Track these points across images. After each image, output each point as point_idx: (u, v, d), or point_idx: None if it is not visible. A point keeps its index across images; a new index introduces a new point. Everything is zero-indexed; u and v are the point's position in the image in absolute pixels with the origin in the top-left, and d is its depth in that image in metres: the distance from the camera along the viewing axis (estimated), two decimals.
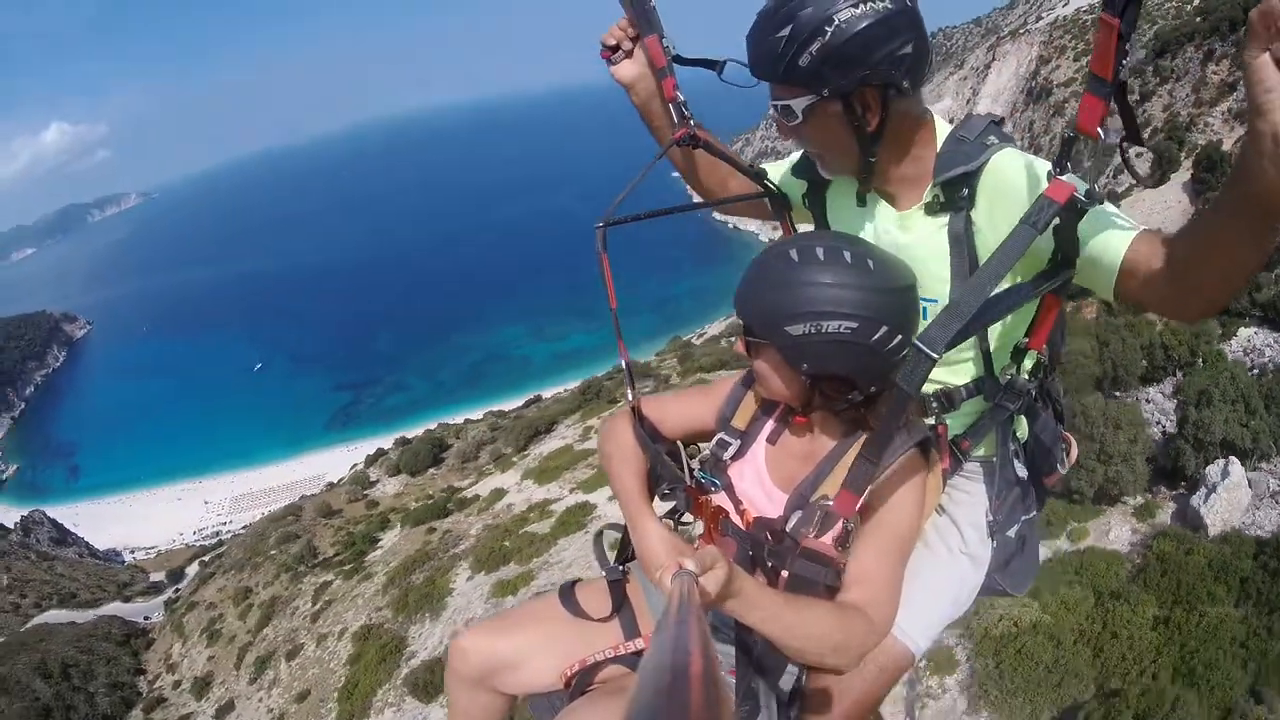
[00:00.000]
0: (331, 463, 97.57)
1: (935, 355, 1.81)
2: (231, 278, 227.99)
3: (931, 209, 2.33)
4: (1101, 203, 2.00)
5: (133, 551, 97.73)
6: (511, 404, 74.67)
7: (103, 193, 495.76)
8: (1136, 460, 13.83)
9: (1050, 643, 10.26)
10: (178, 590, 60.22)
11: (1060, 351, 2.58)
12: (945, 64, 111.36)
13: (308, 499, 58.85)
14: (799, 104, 2.13)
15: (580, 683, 2.49)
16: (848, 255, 1.99)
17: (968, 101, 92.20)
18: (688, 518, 2.57)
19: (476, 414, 71.89)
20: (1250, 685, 9.10)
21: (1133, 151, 1.94)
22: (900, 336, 2.00)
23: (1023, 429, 2.61)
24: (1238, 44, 36.27)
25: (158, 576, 73.36)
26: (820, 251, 2.00)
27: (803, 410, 2.21)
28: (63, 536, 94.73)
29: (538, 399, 69.39)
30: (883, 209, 2.45)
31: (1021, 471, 2.60)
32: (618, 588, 2.65)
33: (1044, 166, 2.13)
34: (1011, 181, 2.19)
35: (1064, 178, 1.98)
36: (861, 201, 2.49)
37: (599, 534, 2.87)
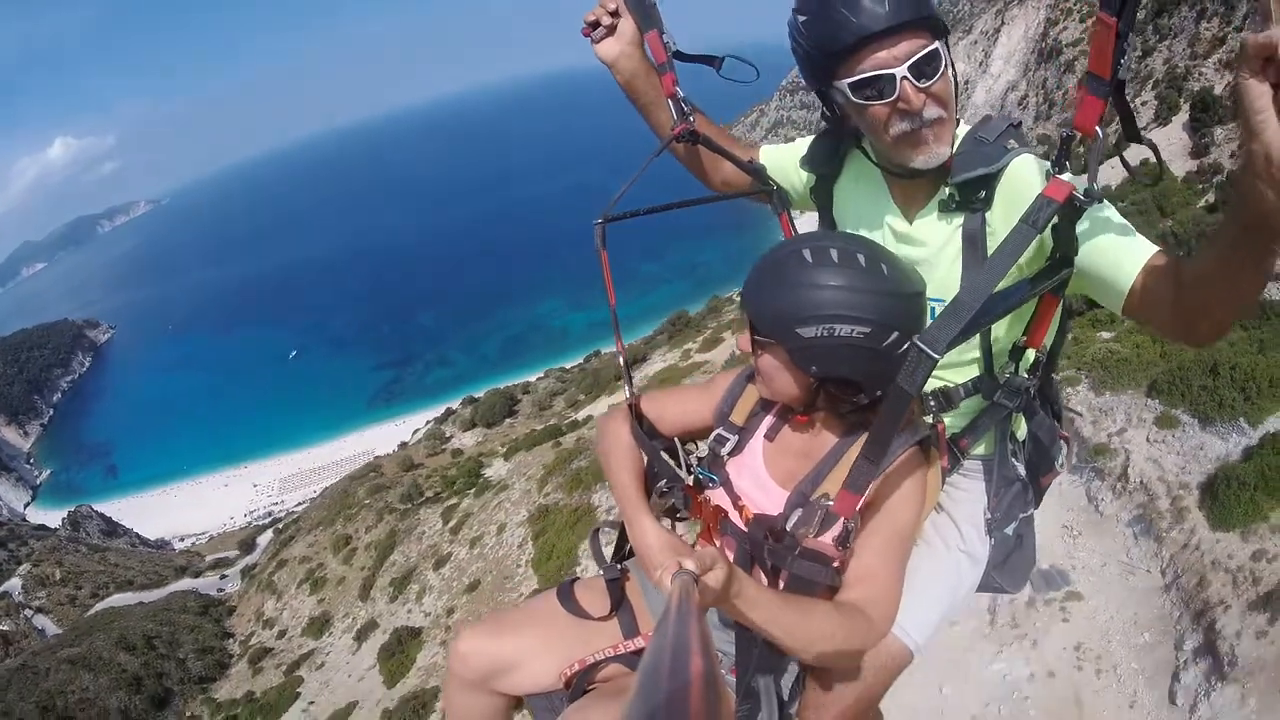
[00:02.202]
0: (379, 438, 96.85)
1: (937, 356, 1.76)
2: (253, 274, 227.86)
3: (945, 207, 2.30)
4: (1101, 201, 1.98)
5: (182, 539, 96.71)
6: (570, 363, 73.82)
7: (111, 203, 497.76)
8: None
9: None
10: (250, 560, 59.24)
11: (1058, 351, 2.50)
12: (954, 29, 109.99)
13: (383, 458, 57.97)
14: (938, 46, 2.08)
15: (580, 683, 2.46)
16: (862, 259, 1.96)
17: (980, 64, 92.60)
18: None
19: (530, 379, 69.94)
20: None
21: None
22: (909, 342, 1.88)
23: (1021, 428, 2.60)
24: (1226, 2, 48.11)
25: (214, 557, 72.77)
26: (834, 253, 1.97)
27: (805, 410, 2.19)
28: (112, 528, 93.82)
29: (597, 354, 69.58)
30: (894, 203, 2.43)
31: (1020, 470, 2.60)
32: (616, 586, 2.62)
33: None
34: (1029, 188, 2.10)
35: (1063, 176, 1.94)
36: (869, 194, 2.50)
37: (595, 532, 2.83)
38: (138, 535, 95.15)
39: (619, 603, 2.61)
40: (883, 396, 1.97)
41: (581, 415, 37.96)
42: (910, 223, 2.40)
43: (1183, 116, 40.29)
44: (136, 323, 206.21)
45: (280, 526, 61.37)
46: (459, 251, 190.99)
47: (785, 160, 2.79)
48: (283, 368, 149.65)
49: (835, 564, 2.05)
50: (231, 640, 40.80)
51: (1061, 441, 2.69)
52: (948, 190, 2.27)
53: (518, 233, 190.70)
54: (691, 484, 2.45)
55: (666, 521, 2.55)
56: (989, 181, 2.21)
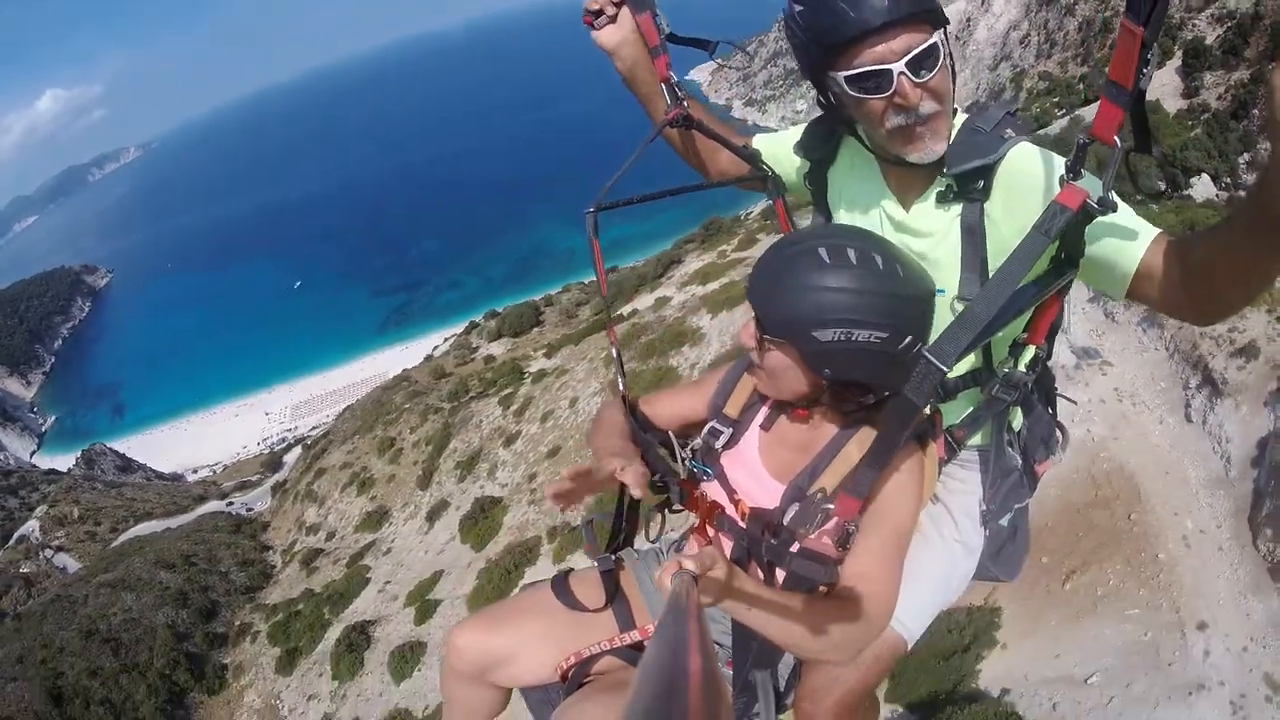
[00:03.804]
0: (391, 361, 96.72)
1: (945, 369, 1.80)
2: (251, 210, 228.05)
3: (944, 198, 2.28)
4: (1115, 209, 1.92)
5: (195, 471, 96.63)
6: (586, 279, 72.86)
7: (101, 151, 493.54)
8: None
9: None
10: (279, 477, 59.11)
11: (1054, 339, 2.50)
12: None
13: (411, 370, 57.56)
14: (936, 40, 2.03)
15: (576, 675, 2.48)
16: (879, 260, 1.93)
17: (982, 3, 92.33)
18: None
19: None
20: None
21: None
22: (921, 344, 1.96)
23: (1018, 418, 2.59)
24: None
25: (238, 480, 72.96)
26: (852, 254, 1.92)
27: (807, 406, 2.17)
28: (126, 464, 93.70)
29: (614, 269, 67.68)
30: (890, 191, 2.40)
31: (1016, 460, 2.59)
32: (610, 578, 2.63)
33: (1059, 162, 2.07)
34: (1029, 177, 2.14)
35: (1078, 183, 1.91)
36: (865, 180, 2.47)
37: (589, 522, 2.89)
38: (152, 470, 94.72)
39: (613, 594, 2.60)
40: (890, 396, 2.01)
41: (628, 309, 37.17)
42: (907, 210, 2.36)
43: (1176, 62, 44.11)
44: (134, 265, 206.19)
45: (309, 443, 61.11)
46: (461, 180, 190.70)
47: (779, 147, 2.75)
48: (288, 299, 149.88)
49: (834, 563, 2.04)
50: (271, 552, 40.40)
51: (1058, 431, 2.70)
52: (945, 181, 2.25)
53: (521, 160, 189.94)
54: (686, 478, 2.43)
55: (658, 517, 2.64)
56: (986, 172, 2.17)
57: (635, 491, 2.03)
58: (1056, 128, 36.78)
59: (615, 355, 2.68)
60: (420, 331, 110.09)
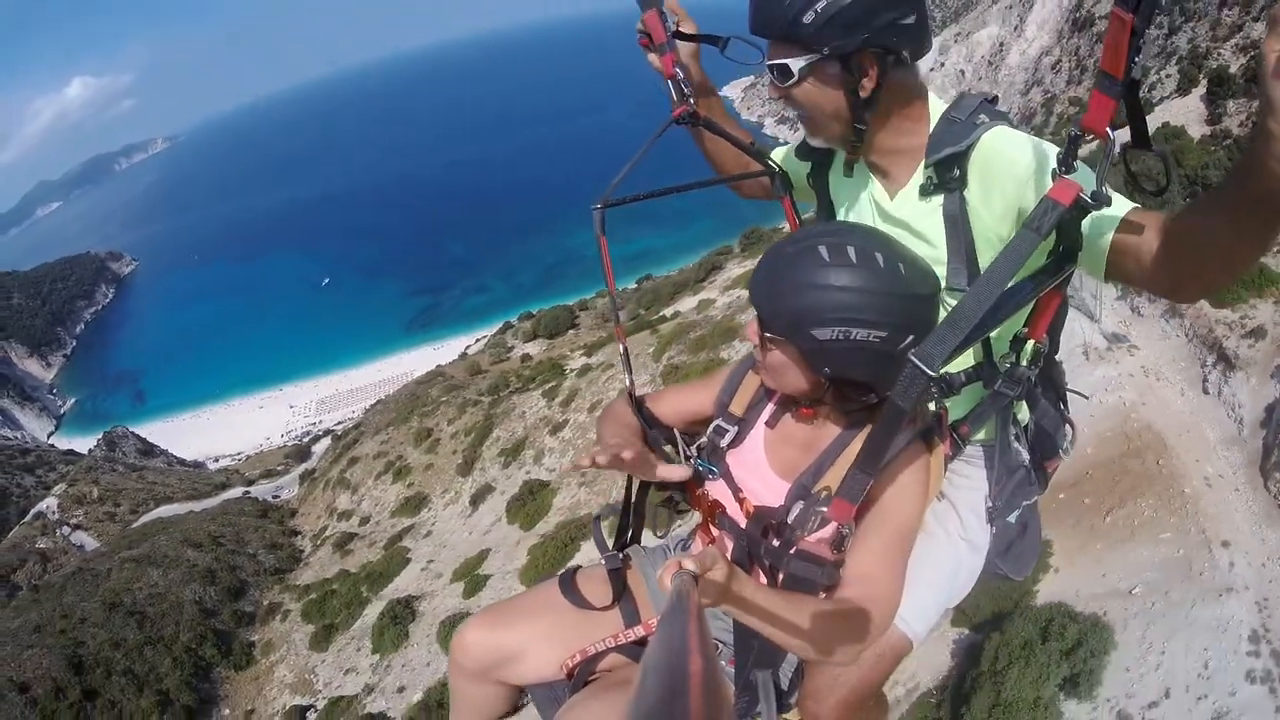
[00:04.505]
0: (417, 361, 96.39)
1: (932, 373, 1.78)
2: (280, 205, 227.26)
3: (925, 191, 2.30)
4: (1110, 204, 1.89)
5: (216, 460, 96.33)
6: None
7: (129, 141, 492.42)
8: None
9: None
10: (308, 466, 59.22)
11: (1059, 334, 2.46)
12: None
13: (445, 366, 57.95)
14: (796, 63, 2.12)
15: (582, 673, 2.51)
16: (880, 259, 1.94)
17: (1015, 28, 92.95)
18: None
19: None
20: None
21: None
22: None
23: (1024, 413, 2.58)
24: None
25: (263, 469, 72.70)
26: (852, 252, 1.94)
27: (810, 404, 2.20)
28: (149, 449, 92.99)
29: (649, 277, 68.86)
30: (877, 184, 2.44)
31: (1023, 456, 2.58)
32: (617, 576, 2.64)
33: (1034, 144, 2.13)
34: (1002, 160, 2.16)
35: (1070, 176, 1.89)
36: (851, 173, 2.50)
37: (597, 518, 2.87)
38: (174, 455, 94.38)
39: (620, 592, 2.62)
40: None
41: (669, 311, 37.74)
42: (892, 199, 2.39)
43: (1200, 89, 43.74)
44: (160, 254, 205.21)
45: (338, 433, 61.07)
46: (491, 184, 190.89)
47: (789, 151, 2.82)
48: (315, 295, 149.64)
49: (832, 565, 2.06)
50: (300, 537, 40.52)
51: (1067, 426, 2.68)
52: (925, 173, 2.27)
53: (552, 167, 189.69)
54: (690, 476, 2.39)
55: (665, 511, 2.65)
56: (960, 160, 2.20)
57: (631, 464, 2.12)
58: (1086, 151, 37.19)
59: (623, 352, 2.65)
60: (448, 333, 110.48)
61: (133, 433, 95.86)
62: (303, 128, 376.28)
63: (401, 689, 20.06)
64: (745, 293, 31.03)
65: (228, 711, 27.57)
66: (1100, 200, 1.84)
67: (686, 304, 37.98)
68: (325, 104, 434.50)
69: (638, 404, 2.53)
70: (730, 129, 2.78)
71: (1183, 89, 46.62)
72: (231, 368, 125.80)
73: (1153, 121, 40.53)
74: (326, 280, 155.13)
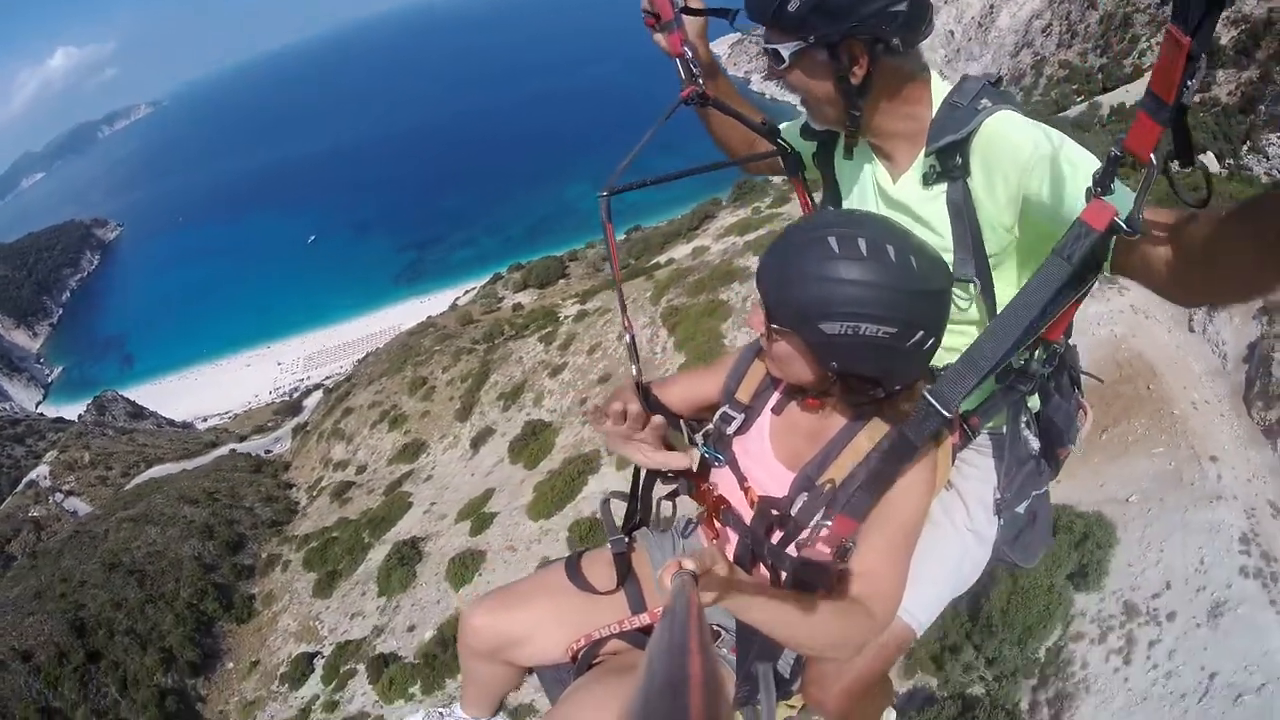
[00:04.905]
0: (405, 314, 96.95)
1: (948, 415, 1.81)
2: (264, 166, 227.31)
3: (928, 179, 2.25)
4: (1147, 233, 1.75)
5: (205, 419, 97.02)
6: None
7: (111, 108, 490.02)
8: None
9: None
10: (300, 420, 59.54)
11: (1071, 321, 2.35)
12: None
13: (436, 317, 57.75)
14: (786, 49, 2.10)
15: (586, 657, 2.52)
16: (891, 252, 1.85)
17: None
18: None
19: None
20: None
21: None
22: (933, 340, 1.94)
23: (1035, 402, 2.52)
24: None
25: (254, 425, 73.01)
26: (863, 244, 1.86)
27: (817, 395, 2.15)
28: (138, 411, 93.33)
29: (638, 228, 68.41)
30: (880, 167, 2.40)
31: (1034, 446, 2.53)
32: (623, 560, 2.65)
33: (1038, 129, 2.06)
34: (1003, 147, 2.10)
35: (1106, 198, 1.75)
36: (851, 155, 2.47)
37: (606, 502, 2.83)
38: (163, 417, 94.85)
39: (625, 576, 2.62)
40: (900, 390, 2.02)
41: (663, 259, 37.47)
42: (894, 182, 2.35)
43: None
44: (145, 219, 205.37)
45: (330, 387, 61.20)
46: (481, 138, 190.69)
47: (795, 129, 2.74)
48: (301, 252, 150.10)
49: (833, 572, 2.03)
50: (294, 489, 40.38)
51: (1081, 412, 2.65)
52: (927, 161, 2.22)
53: (542, 122, 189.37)
54: (696, 468, 2.43)
55: (669, 505, 2.65)
56: (962, 147, 2.15)
57: (630, 426, 2.19)
58: (1074, 112, 37.57)
59: (630, 342, 2.64)
60: (435, 287, 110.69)
61: (122, 396, 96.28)
62: (287, 88, 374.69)
63: (412, 628, 19.98)
64: (740, 239, 31.36)
65: (231, 664, 27.52)
66: (1135, 226, 1.70)
67: (680, 251, 37.75)
68: (310, 63, 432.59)
69: (645, 392, 2.46)
70: (741, 108, 2.72)
71: (1201, 76, 51.05)
72: (218, 328, 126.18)
73: (1142, 87, 43.13)
74: (313, 237, 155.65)
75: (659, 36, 2.55)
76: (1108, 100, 40.17)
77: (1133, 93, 39.44)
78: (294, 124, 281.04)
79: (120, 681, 26.46)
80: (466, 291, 70.97)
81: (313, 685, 22.41)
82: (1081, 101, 44.51)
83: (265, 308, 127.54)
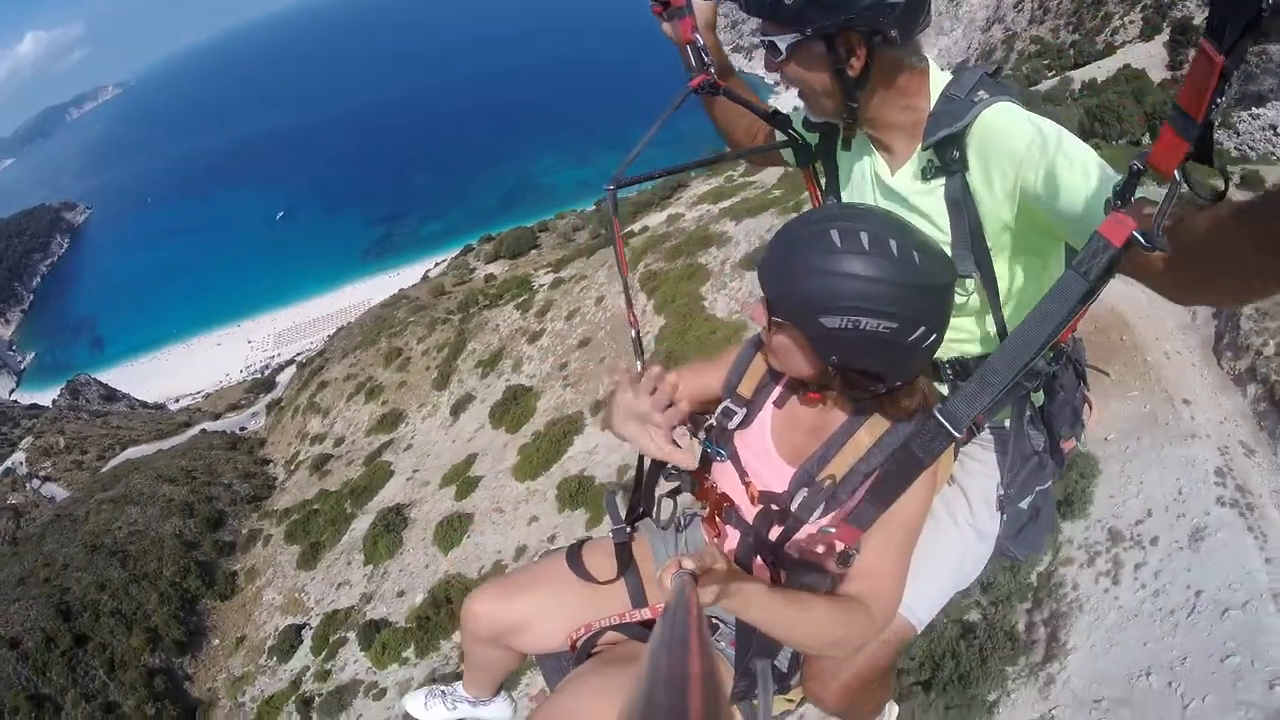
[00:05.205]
0: (375, 289, 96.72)
1: (958, 435, 1.81)
2: (231, 143, 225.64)
3: (926, 174, 2.24)
4: (1166, 250, 1.66)
5: (177, 400, 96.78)
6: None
7: (79, 90, 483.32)
8: None
9: None
10: (274, 396, 59.55)
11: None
12: None
13: (408, 289, 58.04)
14: (783, 42, 2.09)
15: (585, 646, 2.54)
16: (894, 246, 1.84)
17: None
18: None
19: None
20: None
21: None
22: (936, 335, 1.92)
23: (1039, 397, 2.50)
24: None
25: (226, 404, 72.96)
26: (865, 238, 1.84)
27: (818, 389, 2.16)
28: (111, 394, 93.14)
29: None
30: (879, 159, 2.38)
31: (1038, 441, 2.51)
32: (624, 550, 2.67)
33: (1035, 121, 2.04)
34: (999, 139, 2.08)
35: (1125, 212, 1.71)
36: (849, 147, 2.47)
37: (611, 493, 2.82)
38: (136, 399, 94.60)
39: (626, 566, 2.64)
40: (902, 386, 2.02)
41: (637, 226, 37.27)
42: (893, 174, 2.32)
43: (1163, 37, 47.31)
44: (114, 200, 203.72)
45: (303, 362, 61.29)
46: (446, 113, 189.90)
47: (797, 120, 2.68)
48: (269, 229, 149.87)
49: (834, 576, 2.06)
50: (271, 465, 40.46)
51: (1086, 406, 2.69)
52: (924, 155, 2.21)
53: (506, 95, 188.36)
54: (697, 465, 2.40)
55: (669, 503, 2.68)
56: (958, 140, 2.12)
57: (633, 397, 2.15)
58: (1045, 86, 38.13)
59: (635, 338, 2.62)
60: (404, 261, 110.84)
61: (95, 379, 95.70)
62: (255, 64, 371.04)
63: (401, 593, 19.96)
64: (714, 206, 31.16)
65: (217, 641, 27.49)
66: (1156, 243, 1.63)
67: (654, 219, 37.63)
68: (277, 40, 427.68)
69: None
70: (750, 98, 2.71)
71: (1145, 35, 51.55)
72: (188, 307, 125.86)
73: (1114, 63, 42.87)
74: (281, 214, 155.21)
75: (667, 25, 2.53)
76: (1079, 75, 40.39)
77: (1104, 68, 40.80)
78: (261, 101, 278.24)
79: (108, 663, 26.35)
80: (437, 264, 70.68)
81: (302, 657, 22.32)
82: (1053, 76, 44.69)
83: (235, 286, 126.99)
